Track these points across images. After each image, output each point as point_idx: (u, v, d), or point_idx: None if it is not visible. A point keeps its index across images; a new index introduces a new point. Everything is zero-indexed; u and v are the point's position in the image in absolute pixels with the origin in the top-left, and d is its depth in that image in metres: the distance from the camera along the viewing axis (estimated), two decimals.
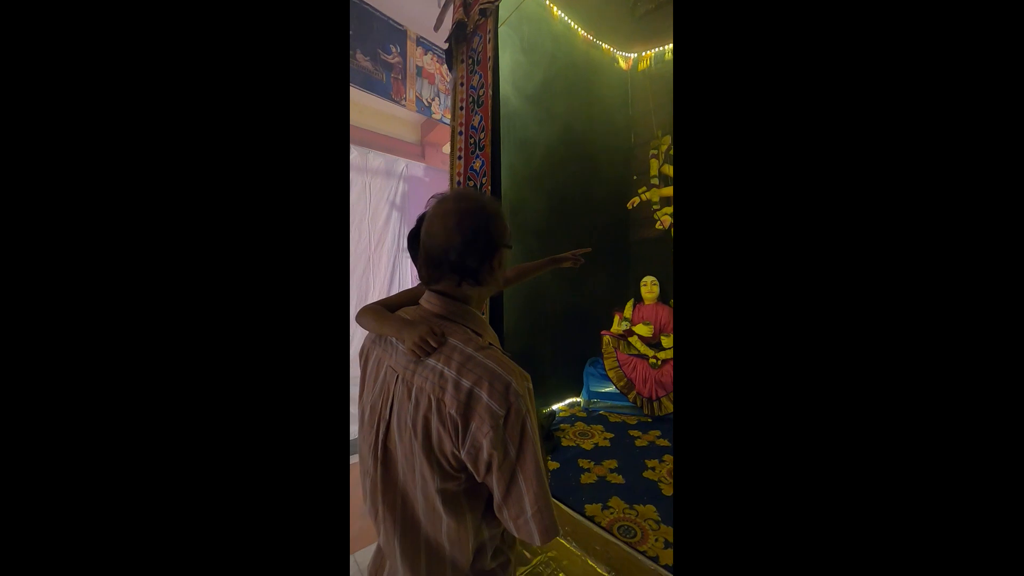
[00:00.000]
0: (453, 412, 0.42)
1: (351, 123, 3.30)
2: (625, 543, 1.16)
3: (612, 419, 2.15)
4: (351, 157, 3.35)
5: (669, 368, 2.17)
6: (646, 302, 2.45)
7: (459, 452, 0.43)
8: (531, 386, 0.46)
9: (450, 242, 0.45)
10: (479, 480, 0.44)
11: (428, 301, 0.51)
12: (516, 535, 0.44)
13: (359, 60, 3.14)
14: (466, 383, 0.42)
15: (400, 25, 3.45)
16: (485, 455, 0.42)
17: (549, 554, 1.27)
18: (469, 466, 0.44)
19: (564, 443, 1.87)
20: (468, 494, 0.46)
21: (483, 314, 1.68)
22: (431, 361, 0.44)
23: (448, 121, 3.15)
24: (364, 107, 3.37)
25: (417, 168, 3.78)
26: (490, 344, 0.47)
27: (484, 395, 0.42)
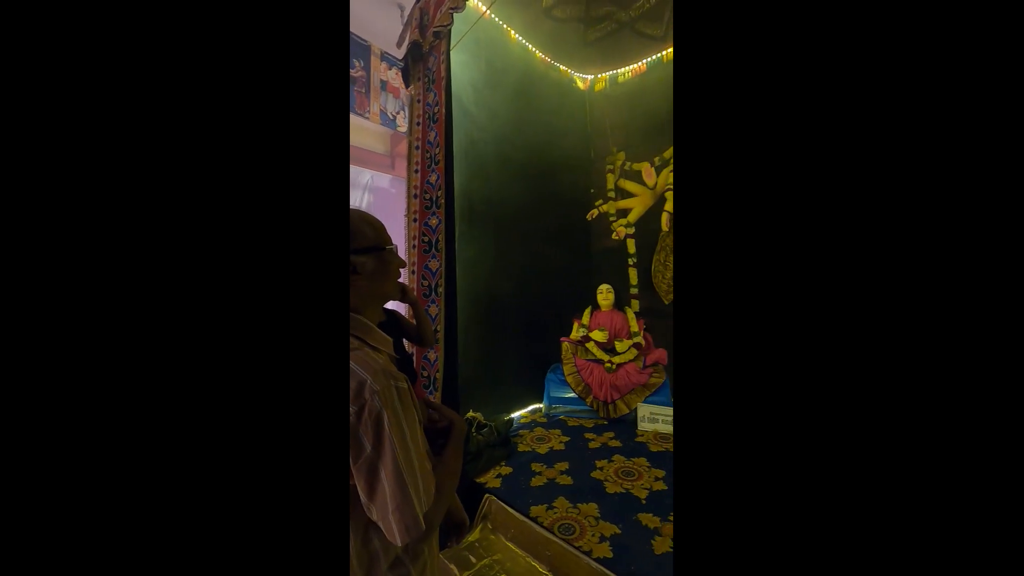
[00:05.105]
0: None
1: None
2: (563, 540, 1.21)
3: (570, 423, 2.22)
4: None
5: (622, 372, 2.27)
6: (602, 309, 2.56)
7: None
8: (403, 385, 0.48)
9: None
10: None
11: None
12: (387, 535, 0.46)
13: None
14: None
15: (364, 40, 3.51)
16: None
17: (494, 557, 1.30)
18: None
19: (521, 448, 1.91)
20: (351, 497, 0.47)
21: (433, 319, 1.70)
22: None
23: None
24: None
25: (383, 179, 3.80)
26: (360, 346, 0.50)
27: None
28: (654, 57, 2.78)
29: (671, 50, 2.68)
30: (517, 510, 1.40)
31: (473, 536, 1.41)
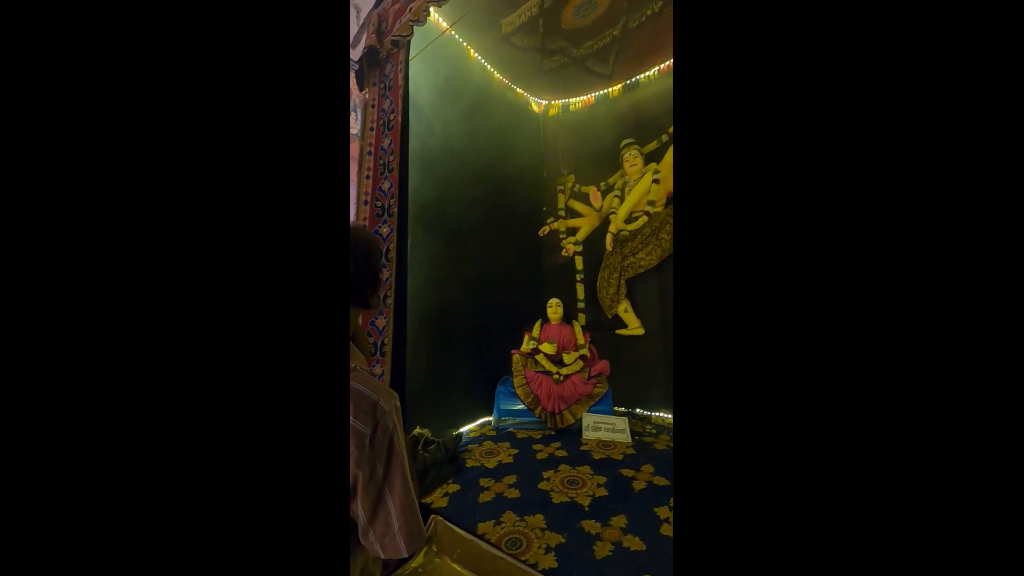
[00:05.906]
0: None
1: None
2: (509, 555, 1.21)
3: (519, 435, 2.24)
4: None
5: (569, 383, 2.37)
6: (552, 322, 2.66)
7: None
8: (398, 404, 0.50)
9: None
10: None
11: None
12: (383, 556, 0.45)
13: None
14: None
15: None
16: (350, 477, 0.43)
17: None
18: None
19: (469, 464, 1.88)
20: None
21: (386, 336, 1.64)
22: None
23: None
24: None
25: None
26: (355, 368, 0.49)
27: (350, 416, 0.44)
28: (601, 92, 3.05)
29: (617, 87, 2.96)
30: (464, 529, 1.37)
31: (416, 562, 1.34)
